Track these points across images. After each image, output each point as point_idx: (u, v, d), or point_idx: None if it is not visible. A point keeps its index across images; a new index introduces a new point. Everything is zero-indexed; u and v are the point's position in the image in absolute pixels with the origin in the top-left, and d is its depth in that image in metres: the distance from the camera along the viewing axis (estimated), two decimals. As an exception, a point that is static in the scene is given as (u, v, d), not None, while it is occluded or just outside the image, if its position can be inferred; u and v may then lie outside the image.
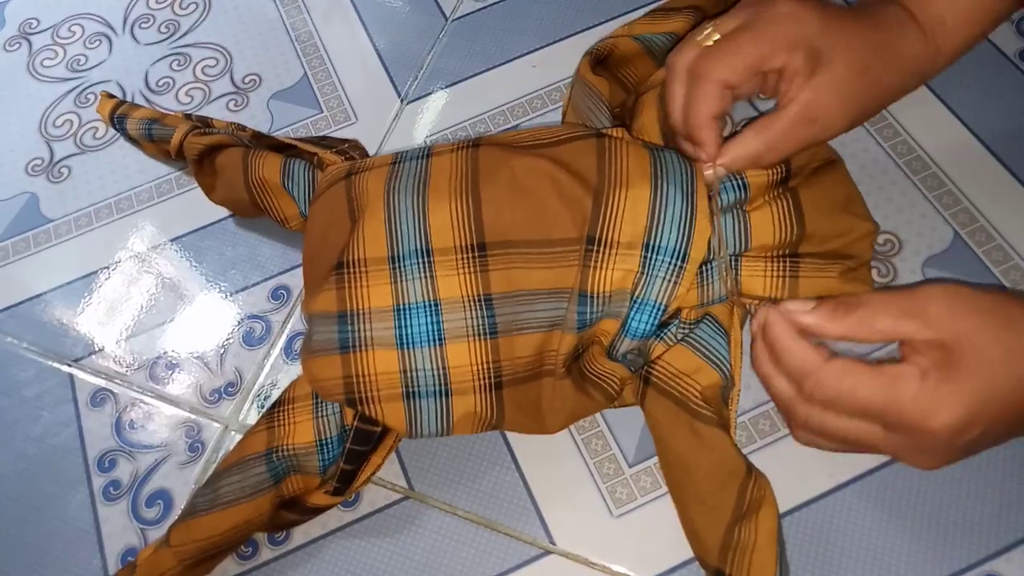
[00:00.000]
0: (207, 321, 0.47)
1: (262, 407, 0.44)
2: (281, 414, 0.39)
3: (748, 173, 0.37)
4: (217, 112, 0.55)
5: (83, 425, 0.45)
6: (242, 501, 0.37)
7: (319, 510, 0.40)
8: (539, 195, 0.36)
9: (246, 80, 0.56)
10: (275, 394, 0.44)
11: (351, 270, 0.37)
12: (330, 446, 0.38)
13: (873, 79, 0.34)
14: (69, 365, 0.47)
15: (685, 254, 0.36)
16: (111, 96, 0.55)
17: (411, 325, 0.36)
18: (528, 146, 0.39)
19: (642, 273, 0.36)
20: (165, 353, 0.47)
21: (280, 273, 0.48)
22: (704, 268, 0.37)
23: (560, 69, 0.53)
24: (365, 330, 0.36)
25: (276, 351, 0.46)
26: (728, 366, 0.37)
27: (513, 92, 0.53)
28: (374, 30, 0.57)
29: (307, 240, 0.41)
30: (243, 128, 0.50)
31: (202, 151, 0.47)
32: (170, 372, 0.46)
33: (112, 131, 0.55)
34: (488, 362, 0.36)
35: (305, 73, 0.56)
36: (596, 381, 0.38)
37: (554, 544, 0.39)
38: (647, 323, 0.37)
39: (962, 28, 0.35)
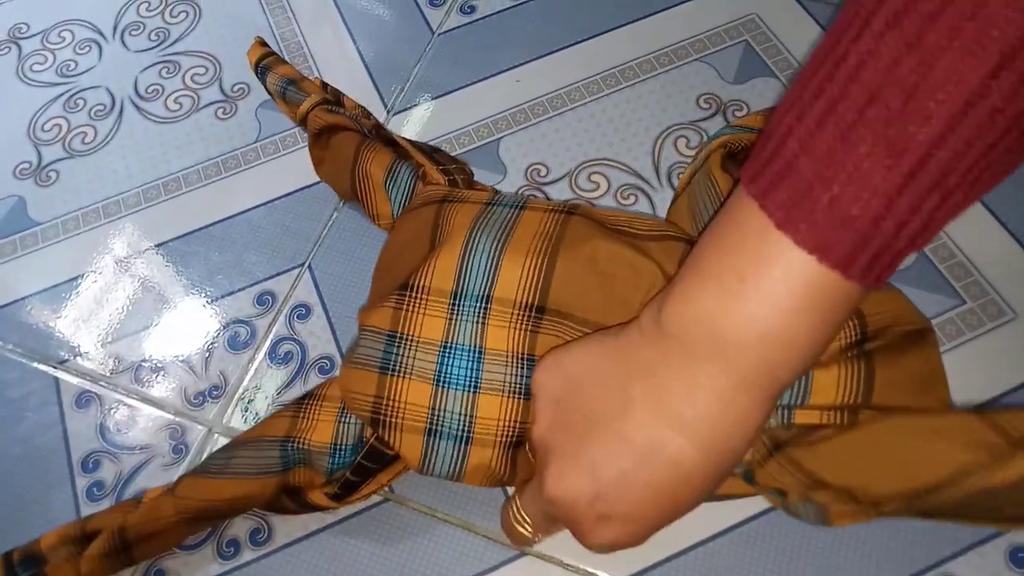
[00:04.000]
0: (192, 325, 0.48)
1: (246, 410, 0.45)
2: (308, 407, 0.40)
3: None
4: (205, 120, 0.55)
5: (67, 427, 0.46)
6: (249, 477, 0.38)
7: (315, 508, 0.40)
8: (613, 281, 0.36)
9: (235, 88, 0.57)
10: (259, 398, 0.45)
11: (414, 294, 0.38)
12: (343, 453, 0.39)
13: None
14: (54, 367, 0.48)
15: None
16: (263, 44, 0.55)
17: (452, 365, 0.37)
18: (620, 231, 0.38)
19: None
20: (150, 356, 0.47)
21: (265, 279, 0.49)
22: None
23: (544, 83, 0.54)
24: (409, 357, 0.37)
25: (260, 355, 0.47)
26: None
27: (497, 105, 0.54)
28: (361, 40, 0.58)
29: (385, 250, 0.42)
30: (368, 115, 0.52)
31: (323, 127, 0.48)
32: (155, 375, 0.47)
33: (101, 136, 0.55)
34: (516, 421, 0.36)
35: (293, 82, 0.57)
36: None
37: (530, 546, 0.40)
38: None
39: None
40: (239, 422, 0.45)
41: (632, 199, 0.49)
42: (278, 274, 0.49)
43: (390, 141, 0.48)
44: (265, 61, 0.54)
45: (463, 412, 0.37)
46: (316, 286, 0.49)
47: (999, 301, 0.44)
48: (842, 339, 0.34)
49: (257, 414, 0.45)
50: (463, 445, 0.37)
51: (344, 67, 0.57)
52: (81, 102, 0.57)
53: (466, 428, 0.37)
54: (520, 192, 0.50)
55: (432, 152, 0.50)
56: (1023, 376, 0.42)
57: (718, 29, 0.55)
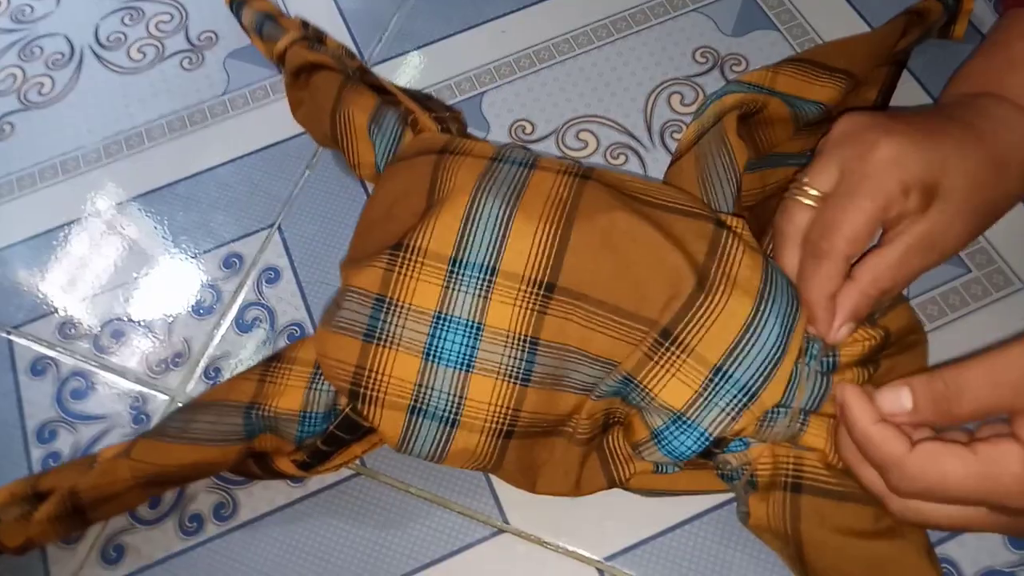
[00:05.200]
0: (155, 289, 0.45)
1: (211, 379, 0.43)
2: (276, 371, 0.37)
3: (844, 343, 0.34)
4: (170, 70, 0.52)
5: (22, 395, 0.43)
6: (209, 443, 0.35)
7: (282, 475, 0.38)
8: (632, 260, 0.33)
9: (202, 37, 0.53)
10: (224, 365, 0.43)
11: (408, 255, 0.34)
12: (313, 421, 0.36)
13: (988, 196, 0.32)
14: (8, 332, 0.45)
15: (755, 394, 0.32)
16: None
17: (445, 338, 0.33)
18: (638, 199, 0.35)
19: (700, 395, 0.32)
20: (110, 321, 0.45)
21: (233, 240, 0.46)
22: (770, 412, 0.33)
23: (530, 35, 0.51)
24: (397, 325, 0.34)
25: (227, 322, 0.44)
26: None
27: (481, 57, 0.51)
28: (338, -12, 0.55)
29: (372, 201, 0.38)
30: (352, 56, 0.48)
31: (302, 65, 0.44)
32: (115, 341, 0.44)
33: (59, 87, 0.52)
34: (508, 407, 0.34)
35: (264, 31, 0.53)
36: (608, 460, 0.35)
37: (507, 523, 0.38)
38: (689, 447, 0.33)
39: None
40: (202, 391, 0.42)
41: (622, 159, 0.46)
42: (246, 235, 0.47)
43: (376, 85, 0.44)
44: None
45: (452, 391, 0.34)
46: (286, 248, 0.46)
47: (1006, 270, 0.42)
48: (866, 346, 0.34)
49: (224, 383, 0.42)
50: (448, 427, 0.34)
51: (320, 16, 0.53)
52: (37, 50, 0.54)
53: (454, 409, 0.34)
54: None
55: (425, 98, 0.47)
56: (1029, 349, 0.40)
57: (717, -22, 0.52)
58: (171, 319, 0.45)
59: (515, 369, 0.33)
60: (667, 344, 0.32)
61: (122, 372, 0.43)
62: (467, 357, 0.34)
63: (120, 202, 0.48)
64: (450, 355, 0.34)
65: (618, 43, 0.50)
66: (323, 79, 0.44)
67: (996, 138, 0.33)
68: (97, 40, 0.54)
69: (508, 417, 0.34)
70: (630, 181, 0.36)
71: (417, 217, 0.35)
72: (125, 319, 0.45)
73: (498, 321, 0.33)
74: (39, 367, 0.44)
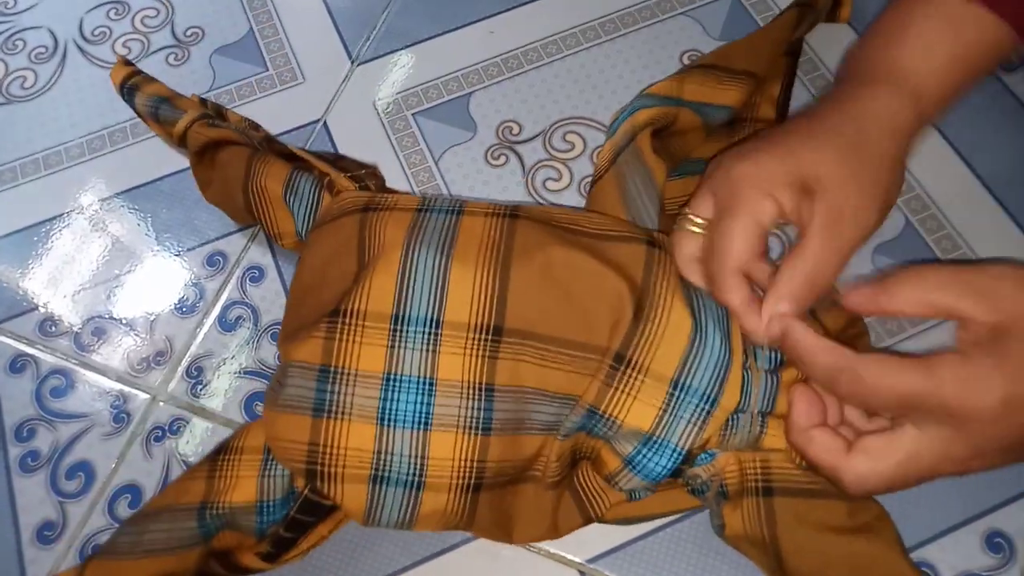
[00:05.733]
0: (138, 287, 0.45)
1: (193, 378, 0.42)
2: (225, 464, 0.35)
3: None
4: (155, 66, 0.52)
5: (0, 392, 0.43)
6: (166, 553, 0.33)
7: (247, 571, 0.36)
8: (574, 292, 0.33)
9: (188, 33, 0.53)
10: (207, 364, 0.43)
11: (347, 321, 0.33)
12: (271, 509, 0.34)
13: (865, 161, 0.32)
14: (-13, 328, 0.45)
15: (715, 400, 0.32)
16: (127, 63, 0.50)
17: (398, 399, 0.32)
18: (569, 230, 0.35)
19: (665, 411, 0.32)
20: (92, 319, 0.44)
21: (217, 238, 0.46)
22: (732, 418, 0.33)
23: (519, 36, 0.51)
24: (346, 394, 0.32)
25: (210, 320, 0.44)
26: None
27: (469, 58, 0.51)
28: (326, -14, 0.54)
29: (301, 269, 0.37)
30: (256, 127, 0.47)
31: (206, 144, 0.42)
32: (97, 339, 0.44)
33: (42, 81, 0.52)
34: (472, 460, 0.32)
35: (251, 28, 0.53)
36: (582, 498, 0.35)
37: (490, 525, 0.38)
38: (664, 466, 0.33)
39: (942, 91, 0.34)
40: (184, 390, 0.42)
41: (609, 161, 0.46)
42: (230, 233, 0.46)
43: (285, 153, 0.43)
44: (131, 81, 0.48)
45: (413, 453, 0.32)
46: (271, 247, 0.46)
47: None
48: None
49: (207, 383, 0.42)
50: (414, 491, 0.33)
51: (307, 14, 0.53)
52: (20, 43, 0.53)
53: (417, 471, 0.32)
54: (491, 151, 0.47)
55: (336, 159, 0.46)
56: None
57: (705, -18, 0.52)
58: (153, 317, 0.44)
59: (474, 419, 0.32)
60: (622, 368, 0.32)
61: (103, 370, 0.43)
62: (423, 415, 0.32)
63: (103, 198, 0.48)
64: (405, 416, 0.32)
65: (606, 45, 0.50)
66: (230, 155, 0.42)
67: (866, 120, 0.33)
68: (82, 34, 0.53)
69: (474, 470, 0.32)
70: (558, 213, 0.36)
71: (350, 279, 0.34)
72: (107, 317, 0.44)
73: (450, 373, 0.32)
74: (18, 364, 0.43)
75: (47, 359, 0.43)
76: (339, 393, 0.32)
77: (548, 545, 0.38)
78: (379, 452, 0.32)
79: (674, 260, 0.35)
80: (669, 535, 0.38)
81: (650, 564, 0.37)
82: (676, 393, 0.32)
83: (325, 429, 0.32)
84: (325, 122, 0.49)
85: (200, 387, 0.42)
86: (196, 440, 0.41)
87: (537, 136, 0.48)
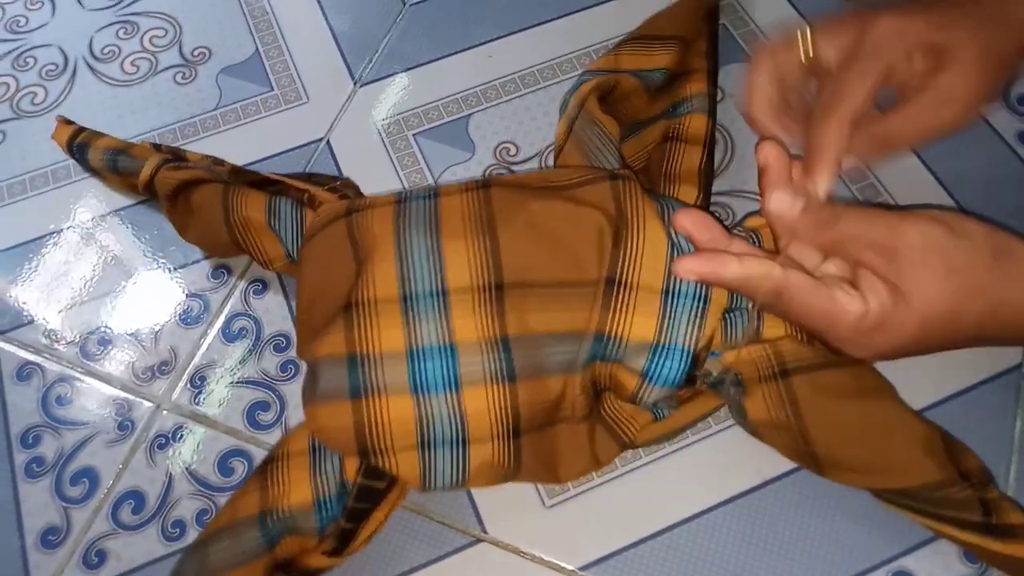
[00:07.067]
0: (143, 298, 0.46)
1: (196, 387, 0.43)
2: (275, 472, 0.36)
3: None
4: (163, 85, 0.53)
5: (7, 399, 0.43)
6: (233, 569, 0.35)
7: (316, 573, 0.37)
8: (559, 236, 0.35)
9: (195, 53, 0.54)
10: (210, 375, 0.44)
11: (360, 310, 0.35)
12: (329, 505, 0.36)
13: (996, 48, 0.33)
14: (-5, 337, 0.45)
15: (706, 297, 0.35)
16: (69, 122, 0.49)
17: (426, 370, 0.34)
18: (541, 188, 0.37)
19: (664, 318, 0.35)
20: (97, 328, 0.45)
21: (221, 252, 0.47)
22: (728, 316, 0.36)
23: (516, 60, 0.53)
24: (377, 374, 0.34)
25: (213, 331, 0.45)
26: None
27: (468, 81, 0.52)
28: (330, 9, 0.56)
29: (302, 282, 0.39)
30: (220, 162, 0.47)
31: (176, 187, 0.43)
32: (102, 348, 0.45)
33: (52, 97, 0.53)
34: (507, 407, 0.35)
35: (257, 49, 0.55)
36: (612, 427, 0.37)
37: (486, 532, 0.39)
38: (677, 369, 0.35)
39: None
40: (187, 399, 0.43)
41: (602, 182, 0.48)
42: (235, 247, 0.47)
43: (255, 181, 0.44)
44: (80, 138, 0.48)
45: (452, 413, 0.34)
46: (274, 261, 0.47)
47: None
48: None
49: (210, 392, 0.43)
50: (461, 448, 0.35)
51: (312, 36, 0.55)
52: (31, 60, 0.55)
53: (459, 428, 0.35)
54: (488, 171, 0.49)
55: (308, 177, 0.47)
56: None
57: (696, 12, 0.54)
58: (158, 327, 0.45)
59: (499, 371, 0.35)
60: (615, 290, 0.35)
61: (108, 379, 0.44)
62: (452, 377, 0.34)
63: (110, 212, 0.49)
64: (436, 381, 0.34)
65: (601, 71, 0.52)
66: (203, 194, 0.43)
67: (996, 6, 0.34)
68: (91, 52, 0.55)
69: (510, 416, 0.35)
70: (526, 176, 0.39)
71: (352, 278, 0.36)
72: (112, 327, 0.45)
73: (466, 334, 0.35)
74: (25, 372, 0.44)
75: (53, 367, 0.44)
76: (370, 375, 0.34)
77: (541, 552, 0.39)
78: (420, 419, 0.35)
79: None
80: (662, 543, 0.39)
81: (643, 571, 0.38)
82: (669, 300, 0.35)
83: (366, 409, 0.34)
84: (328, 141, 0.51)
85: (203, 396, 0.43)
86: (199, 448, 0.42)
87: (533, 157, 0.49)
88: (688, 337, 0.35)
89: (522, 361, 0.35)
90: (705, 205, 0.42)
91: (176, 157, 0.46)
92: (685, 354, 0.35)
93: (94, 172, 0.49)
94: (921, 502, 0.36)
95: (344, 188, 0.44)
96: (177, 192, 0.43)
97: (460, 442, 0.35)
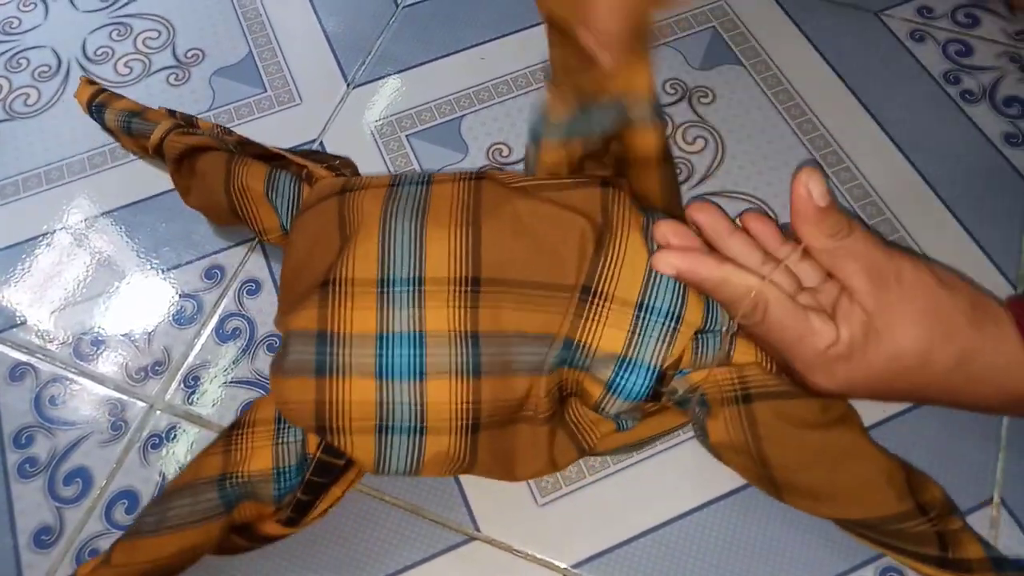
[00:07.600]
0: (137, 298, 0.46)
1: (189, 387, 0.44)
2: (239, 438, 0.37)
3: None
4: (156, 86, 0.53)
5: (0, 399, 0.44)
6: (190, 526, 0.35)
7: (270, 539, 0.38)
8: (541, 237, 0.36)
9: (189, 55, 0.55)
10: (203, 375, 0.44)
11: (336, 289, 0.35)
12: (288, 475, 0.37)
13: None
14: (-13, 338, 0.46)
15: (679, 317, 0.35)
16: (92, 82, 0.50)
17: (393, 355, 0.35)
18: (531, 186, 0.38)
19: (634, 332, 0.35)
20: (91, 329, 0.45)
21: (215, 252, 0.48)
22: (700, 337, 0.36)
23: (508, 62, 0.53)
24: (344, 355, 0.35)
25: (207, 331, 0.45)
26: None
27: (461, 82, 0.53)
28: (323, 11, 0.56)
29: (289, 253, 0.40)
30: (229, 132, 0.48)
31: (183, 151, 0.44)
32: (95, 348, 0.45)
33: (45, 98, 0.53)
34: (468, 402, 0.35)
35: (250, 51, 0.55)
36: (574, 432, 0.37)
37: (479, 531, 0.40)
38: (641, 384, 0.35)
39: None
40: (181, 399, 0.43)
41: (594, 183, 0.49)
42: (228, 247, 0.48)
43: (260, 154, 0.45)
44: (99, 98, 0.49)
45: (412, 402, 0.35)
46: (267, 261, 0.47)
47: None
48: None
49: (204, 392, 0.43)
50: (418, 436, 0.36)
51: (305, 38, 0.55)
52: (24, 62, 0.55)
53: (418, 417, 0.35)
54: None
55: (310, 153, 0.48)
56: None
57: (686, 14, 0.54)
58: (151, 328, 0.45)
59: (464, 364, 0.35)
60: (590, 299, 0.35)
61: (101, 379, 0.44)
62: (418, 366, 0.35)
63: (104, 212, 0.49)
64: (401, 369, 0.35)
65: (592, 73, 0.53)
66: (208, 161, 0.44)
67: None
68: (84, 54, 0.55)
69: (470, 411, 0.35)
70: (519, 177, 0.39)
71: (335, 254, 0.37)
72: (105, 327, 0.46)
73: (437, 324, 0.35)
74: (18, 372, 0.44)
75: (46, 368, 0.44)
76: (337, 355, 0.35)
77: (533, 550, 0.39)
78: (381, 404, 0.35)
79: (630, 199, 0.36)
80: (653, 540, 0.39)
81: (635, 568, 0.39)
82: (641, 315, 0.35)
83: (329, 387, 0.35)
84: (321, 142, 0.51)
85: (196, 396, 0.43)
86: (192, 448, 0.42)
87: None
88: (656, 355, 0.35)
89: (489, 358, 0.35)
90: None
91: (187, 123, 0.47)
92: (651, 371, 0.35)
93: (109, 132, 0.50)
94: (879, 534, 0.36)
95: (342, 167, 0.45)
96: (183, 156, 0.45)
97: (418, 431, 0.35)
